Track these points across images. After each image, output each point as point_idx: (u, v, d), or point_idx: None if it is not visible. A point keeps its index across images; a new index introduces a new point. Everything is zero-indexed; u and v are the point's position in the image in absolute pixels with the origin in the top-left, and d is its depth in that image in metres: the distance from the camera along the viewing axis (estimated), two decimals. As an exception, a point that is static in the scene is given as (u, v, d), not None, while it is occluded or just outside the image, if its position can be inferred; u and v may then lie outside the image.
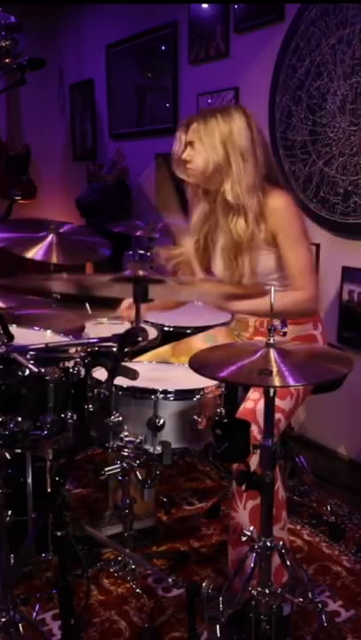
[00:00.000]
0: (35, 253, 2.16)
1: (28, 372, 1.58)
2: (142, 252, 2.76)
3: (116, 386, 1.63)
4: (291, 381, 1.30)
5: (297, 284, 1.93)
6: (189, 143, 1.96)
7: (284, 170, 2.95)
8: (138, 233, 2.97)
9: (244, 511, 1.78)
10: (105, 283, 1.59)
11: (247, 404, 1.85)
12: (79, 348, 1.73)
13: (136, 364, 1.95)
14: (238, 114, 1.93)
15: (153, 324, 2.37)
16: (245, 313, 2.04)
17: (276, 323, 1.45)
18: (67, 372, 1.67)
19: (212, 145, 1.91)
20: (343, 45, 2.66)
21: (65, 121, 5.36)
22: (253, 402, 1.83)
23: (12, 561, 1.57)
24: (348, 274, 2.76)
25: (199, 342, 2.18)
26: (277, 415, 1.84)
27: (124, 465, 1.87)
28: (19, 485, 1.97)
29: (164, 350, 2.20)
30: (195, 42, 3.61)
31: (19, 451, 1.72)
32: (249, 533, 1.53)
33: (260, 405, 1.79)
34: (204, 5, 3.51)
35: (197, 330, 2.35)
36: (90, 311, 2.44)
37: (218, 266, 2.05)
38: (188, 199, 2.14)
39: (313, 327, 2.06)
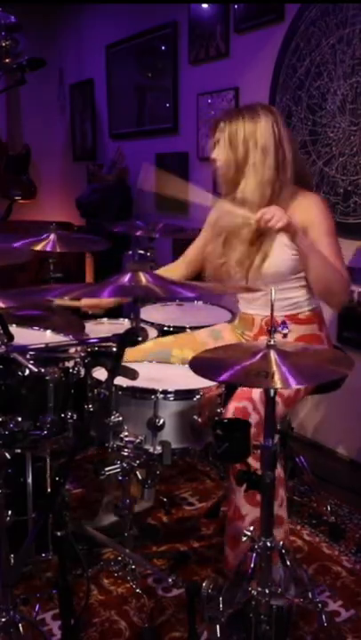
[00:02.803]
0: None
1: (27, 371, 1.58)
2: (142, 251, 2.77)
3: (116, 386, 1.64)
4: (291, 382, 1.30)
5: None
6: (216, 142, 1.99)
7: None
8: (138, 233, 2.97)
9: (239, 493, 1.79)
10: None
11: (244, 387, 1.87)
12: (79, 348, 1.73)
13: (136, 364, 1.95)
14: (265, 112, 1.95)
15: (153, 324, 2.37)
16: (305, 252, 1.94)
17: (278, 323, 1.45)
18: (67, 372, 1.67)
19: (233, 144, 1.93)
20: (343, 45, 2.66)
21: (65, 121, 5.36)
22: None
23: (12, 561, 1.57)
24: (349, 274, 2.75)
25: (203, 336, 2.19)
26: (276, 398, 1.86)
27: (124, 465, 1.87)
28: (19, 485, 1.97)
29: (167, 340, 2.20)
30: (195, 42, 3.61)
31: (19, 451, 1.72)
32: (249, 533, 1.53)
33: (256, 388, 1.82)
34: (204, 5, 3.51)
35: (197, 330, 2.35)
36: (90, 311, 2.44)
37: (236, 257, 2.05)
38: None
39: (318, 329, 2.07)
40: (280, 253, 1.97)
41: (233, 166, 1.96)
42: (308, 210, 1.95)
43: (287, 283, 2.00)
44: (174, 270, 2.30)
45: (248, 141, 1.92)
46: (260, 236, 1.97)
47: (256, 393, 1.82)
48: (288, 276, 2.00)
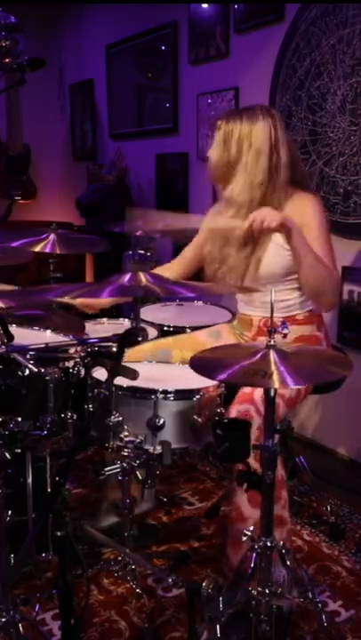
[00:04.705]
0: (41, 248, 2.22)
1: (27, 371, 1.58)
2: (142, 251, 2.77)
3: (116, 386, 1.63)
4: (290, 382, 1.30)
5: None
6: (213, 140, 1.99)
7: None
8: (138, 233, 2.96)
9: (242, 495, 1.80)
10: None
11: (245, 389, 1.88)
12: (79, 348, 1.73)
13: (136, 364, 1.95)
14: (264, 114, 1.95)
15: (153, 324, 2.37)
16: (297, 245, 1.92)
17: (278, 324, 1.45)
18: (67, 372, 1.67)
19: (227, 143, 1.93)
20: (343, 45, 2.66)
21: (65, 121, 5.36)
22: (251, 387, 1.86)
23: (12, 561, 1.57)
24: (349, 274, 2.76)
25: (203, 337, 2.18)
26: (277, 399, 1.86)
27: (124, 465, 1.87)
28: (19, 485, 1.97)
29: (166, 341, 2.20)
30: (195, 42, 3.61)
31: (19, 451, 1.72)
32: (249, 533, 1.53)
33: (258, 390, 1.82)
34: (204, 5, 3.51)
35: (197, 330, 2.35)
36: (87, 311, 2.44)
37: (230, 262, 2.05)
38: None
39: (317, 329, 2.07)
40: (274, 254, 1.96)
41: (223, 165, 1.96)
42: (303, 211, 1.95)
43: (282, 284, 2.00)
44: (170, 270, 2.30)
45: (242, 142, 1.92)
46: (254, 240, 1.96)
47: (258, 394, 1.82)
48: (282, 277, 2.00)
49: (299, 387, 1.83)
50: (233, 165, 1.95)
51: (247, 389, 1.87)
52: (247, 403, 1.83)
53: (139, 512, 2.25)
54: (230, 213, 1.98)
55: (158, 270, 2.20)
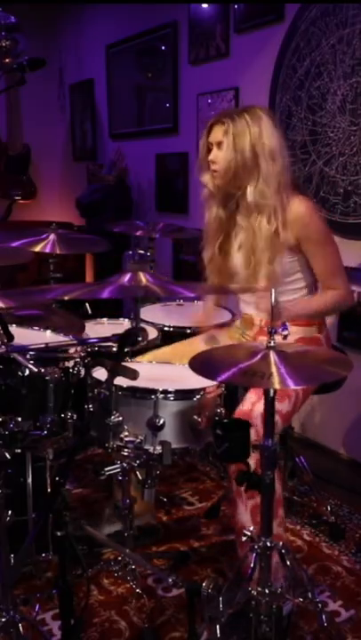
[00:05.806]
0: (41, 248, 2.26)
1: (27, 371, 1.58)
2: (142, 251, 2.77)
3: (116, 386, 1.64)
4: (289, 383, 1.30)
5: (330, 285, 2.00)
6: (217, 144, 1.94)
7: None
8: (138, 233, 2.96)
9: (245, 512, 1.79)
10: None
11: (244, 407, 1.86)
12: (79, 348, 1.73)
13: (136, 364, 1.95)
14: (265, 114, 1.92)
15: (153, 324, 2.37)
16: (302, 317, 2.00)
17: (277, 325, 1.45)
18: (67, 371, 1.67)
19: (240, 145, 1.88)
20: (343, 45, 2.66)
21: (65, 121, 5.36)
22: (251, 404, 1.84)
23: (12, 561, 1.57)
24: (349, 274, 2.74)
25: (200, 344, 2.18)
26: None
27: (124, 465, 1.87)
28: (19, 485, 1.97)
29: (164, 352, 2.19)
30: (195, 42, 3.61)
31: (19, 451, 1.72)
32: (249, 533, 1.53)
33: (257, 407, 1.80)
34: (204, 5, 3.50)
35: (197, 330, 2.35)
36: (89, 311, 2.44)
37: (237, 265, 2.04)
38: (204, 204, 2.11)
39: (317, 331, 2.06)
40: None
41: (239, 168, 1.90)
42: (298, 222, 1.92)
43: (283, 286, 2.00)
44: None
45: (255, 144, 1.88)
46: (258, 250, 1.95)
47: (256, 413, 1.80)
48: (285, 277, 1.99)
49: (299, 387, 1.83)
50: (249, 169, 1.89)
51: (245, 407, 1.84)
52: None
53: (139, 524, 2.25)
54: (263, 221, 1.92)
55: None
